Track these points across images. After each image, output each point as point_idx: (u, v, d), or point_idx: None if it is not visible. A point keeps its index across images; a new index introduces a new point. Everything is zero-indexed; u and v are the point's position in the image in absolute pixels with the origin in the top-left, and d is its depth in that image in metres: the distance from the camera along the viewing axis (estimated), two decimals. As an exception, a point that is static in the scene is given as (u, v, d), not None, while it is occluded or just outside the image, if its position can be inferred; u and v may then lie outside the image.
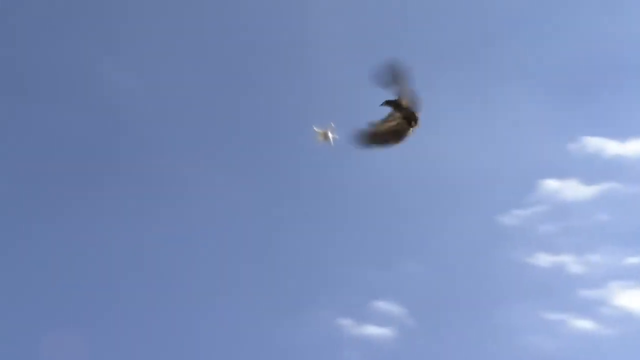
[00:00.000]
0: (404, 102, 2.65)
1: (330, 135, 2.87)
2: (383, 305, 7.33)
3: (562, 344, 7.30)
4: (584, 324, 7.31)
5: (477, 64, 8.00)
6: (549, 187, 8.03)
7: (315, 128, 2.80)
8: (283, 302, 7.17)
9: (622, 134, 8.18)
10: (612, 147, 8.22)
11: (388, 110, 2.72)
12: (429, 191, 7.71)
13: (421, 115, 2.69)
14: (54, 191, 7.27)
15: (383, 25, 7.78)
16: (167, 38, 7.82)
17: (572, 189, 8.19)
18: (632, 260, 7.38)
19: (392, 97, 2.63)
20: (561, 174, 8.06)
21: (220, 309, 7.17)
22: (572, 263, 7.69)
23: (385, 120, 2.71)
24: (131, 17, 7.68)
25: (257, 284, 7.29)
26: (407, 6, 8.03)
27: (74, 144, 7.62)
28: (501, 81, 7.95)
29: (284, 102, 7.66)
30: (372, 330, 7.28)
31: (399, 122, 2.69)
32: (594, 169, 8.07)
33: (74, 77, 7.73)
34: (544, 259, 7.71)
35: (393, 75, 2.62)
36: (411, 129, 2.68)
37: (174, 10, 7.89)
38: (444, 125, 7.70)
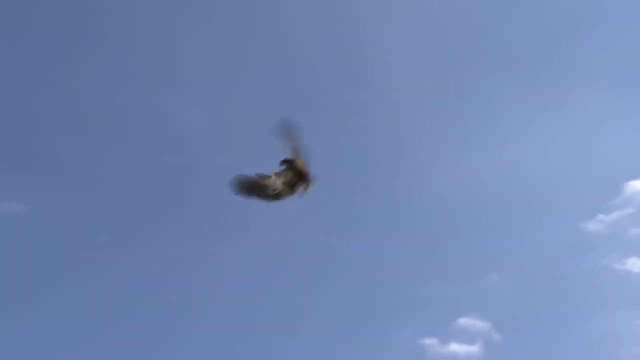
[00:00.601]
0: (299, 164, 2.60)
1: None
2: (467, 322, 7.17)
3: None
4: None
5: (551, 66, 7.73)
6: (635, 188, 7.64)
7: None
8: (366, 324, 7.15)
9: None
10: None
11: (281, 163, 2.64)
12: (508, 201, 7.51)
13: (311, 179, 2.62)
14: (132, 226, 7.54)
15: (452, 34, 7.64)
16: (231, 75, 7.98)
17: (660, 189, 7.77)
18: None
19: (288, 157, 2.60)
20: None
21: (304, 332, 7.21)
22: (668, 266, 7.27)
23: (274, 174, 2.62)
24: (196, 58, 7.89)
25: (339, 307, 7.30)
26: (476, 11, 7.85)
27: (149, 178, 7.88)
28: (577, 82, 7.66)
29: (349, 128, 7.66)
30: (458, 348, 7.13)
31: (287, 181, 2.62)
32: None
33: (145, 117, 8.02)
34: (636, 264, 7.32)
35: (287, 132, 2.59)
36: (301, 188, 2.63)
37: (236, 49, 8.05)
38: (520, 132, 7.51)
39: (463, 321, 7.38)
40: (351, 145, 7.95)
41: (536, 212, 7.75)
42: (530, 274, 7.52)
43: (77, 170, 7.92)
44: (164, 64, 8.17)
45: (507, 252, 7.75)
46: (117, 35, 8.16)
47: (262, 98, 8.23)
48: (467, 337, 7.25)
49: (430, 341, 7.24)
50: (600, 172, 7.92)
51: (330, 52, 8.31)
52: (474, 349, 7.23)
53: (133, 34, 8.13)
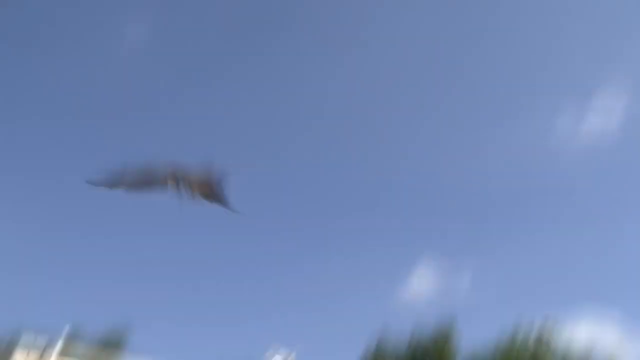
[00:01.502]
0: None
1: None
2: (604, 97, 6.79)
3: None
4: None
5: None
6: None
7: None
8: (497, 109, 6.92)
9: None
10: None
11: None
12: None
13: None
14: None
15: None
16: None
17: None
18: None
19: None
20: None
21: (433, 124, 7.10)
22: None
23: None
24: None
25: (467, 93, 7.08)
26: None
27: None
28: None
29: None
30: (594, 125, 6.83)
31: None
32: None
33: None
34: None
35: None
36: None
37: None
38: None
39: (600, 95, 7.02)
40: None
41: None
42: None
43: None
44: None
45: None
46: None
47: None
48: (603, 111, 6.90)
49: (562, 120, 6.95)
50: None
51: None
52: (609, 123, 6.90)
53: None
